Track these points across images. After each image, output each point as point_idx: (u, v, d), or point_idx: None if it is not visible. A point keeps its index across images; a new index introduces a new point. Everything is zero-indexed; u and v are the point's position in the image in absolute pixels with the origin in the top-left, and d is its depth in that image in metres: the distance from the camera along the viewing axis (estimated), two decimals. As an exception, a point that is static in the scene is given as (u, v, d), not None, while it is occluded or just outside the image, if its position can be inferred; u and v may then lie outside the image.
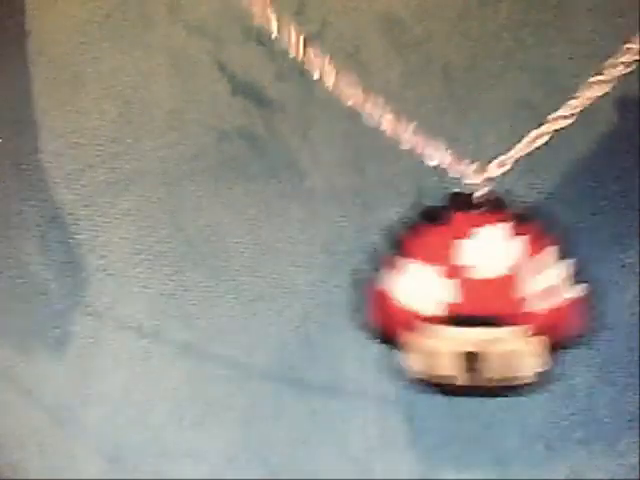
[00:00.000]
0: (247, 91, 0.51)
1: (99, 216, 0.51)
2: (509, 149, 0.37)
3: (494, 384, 0.33)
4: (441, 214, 0.33)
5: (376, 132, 0.38)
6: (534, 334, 0.32)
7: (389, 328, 0.35)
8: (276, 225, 0.51)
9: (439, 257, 0.32)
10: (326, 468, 0.49)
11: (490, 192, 0.35)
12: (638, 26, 0.49)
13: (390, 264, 0.34)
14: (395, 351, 0.37)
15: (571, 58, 0.52)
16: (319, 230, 0.50)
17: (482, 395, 0.35)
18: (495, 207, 0.34)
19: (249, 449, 0.50)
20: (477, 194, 0.35)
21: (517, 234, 0.34)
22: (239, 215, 0.51)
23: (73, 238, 0.51)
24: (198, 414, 0.50)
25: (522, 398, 0.50)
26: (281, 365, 0.50)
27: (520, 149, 0.36)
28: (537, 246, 0.34)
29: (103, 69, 0.52)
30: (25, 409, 0.50)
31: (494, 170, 0.35)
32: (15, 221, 0.51)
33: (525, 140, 0.36)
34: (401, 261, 0.33)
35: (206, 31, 0.53)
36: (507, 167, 0.35)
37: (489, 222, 0.33)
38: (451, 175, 0.36)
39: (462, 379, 0.33)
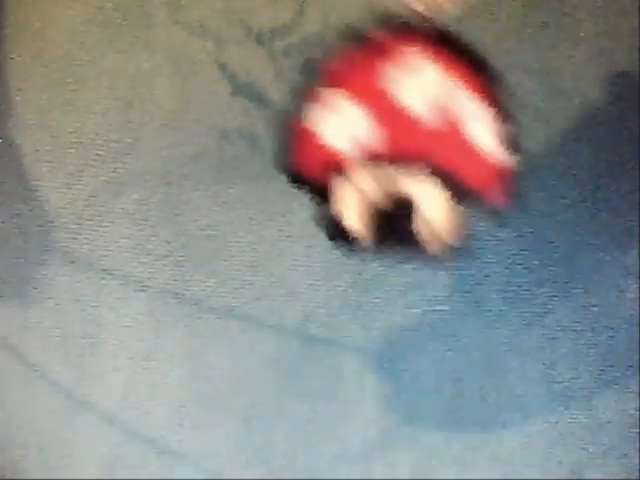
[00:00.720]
0: (247, 91, 0.51)
1: (99, 216, 0.51)
2: None
3: (400, 242, 0.29)
4: (370, 38, 0.29)
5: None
6: (452, 195, 0.29)
7: (313, 171, 0.31)
8: (276, 225, 0.51)
9: (361, 86, 0.29)
10: (326, 468, 0.49)
11: (431, 22, 0.30)
12: (638, 26, 0.49)
13: (313, 97, 0.30)
14: (322, 204, 0.32)
15: (571, 58, 0.52)
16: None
17: (389, 255, 0.30)
18: (436, 41, 0.30)
19: (249, 449, 0.50)
20: (416, 21, 0.31)
21: (455, 76, 0.29)
22: (239, 215, 0.51)
23: (74, 238, 0.51)
24: (198, 414, 0.50)
25: (522, 398, 0.50)
26: (281, 365, 0.50)
27: None
28: (469, 92, 0.30)
29: (103, 69, 0.52)
30: (25, 409, 0.50)
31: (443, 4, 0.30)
32: (15, 221, 0.51)
33: None
34: (324, 92, 0.30)
35: (206, 31, 0.53)
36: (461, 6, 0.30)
37: (424, 55, 0.29)
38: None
39: (373, 234, 0.30)
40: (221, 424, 0.50)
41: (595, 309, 0.51)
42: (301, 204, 0.50)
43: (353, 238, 0.29)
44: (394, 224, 0.29)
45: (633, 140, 0.51)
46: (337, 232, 0.28)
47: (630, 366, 0.50)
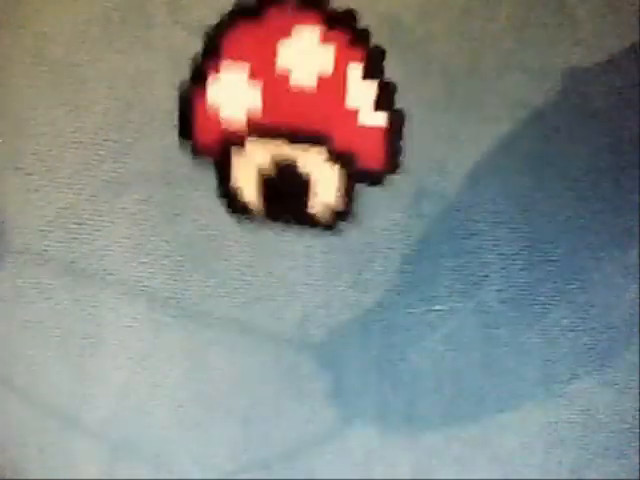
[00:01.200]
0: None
1: (99, 216, 0.51)
2: None
3: (290, 212, 0.31)
4: (257, 9, 0.31)
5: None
6: (333, 159, 0.30)
7: (212, 145, 0.32)
8: (276, 225, 0.51)
9: (251, 57, 0.30)
10: (326, 468, 0.49)
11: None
12: (638, 26, 0.49)
13: (209, 70, 0.32)
14: (222, 177, 0.33)
15: (571, 58, 0.52)
16: (319, 230, 0.50)
17: (280, 223, 0.32)
18: (311, 6, 0.31)
19: (249, 449, 0.50)
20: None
21: (328, 41, 0.31)
22: (239, 215, 0.51)
23: (74, 238, 0.51)
24: (198, 414, 0.50)
25: (522, 398, 0.50)
26: (281, 365, 0.50)
27: None
28: (346, 58, 0.31)
29: (103, 69, 0.52)
30: (25, 409, 0.50)
31: None
32: (16, 221, 0.51)
33: None
34: (218, 65, 0.31)
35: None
36: None
37: (303, 23, 0.31)
38: None
39: (261, 206, 0.31)
40: (221, 424, 0.50)
41: (595, 309, 0.51)
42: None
43: (249, 210, 0.30)
44: (287, 195, 0.31)
45: (633, 140, 0.51)
46: (235, 205, 0.30)
47: (630, 366, 0.50)
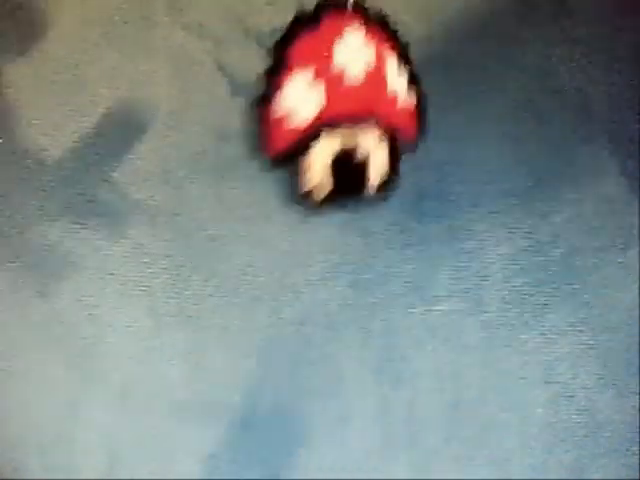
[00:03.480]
0: (247, 91, 0.51)
1: (99, 216, 0.51)
2: None
3: (353, 188, 0.37)
4: (313, 19, 0.36)
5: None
6: (382, 136, 0.35)
7: (281, 148, 0.37)
8: (276, 225, 0.51)
9: (314, 60, 0.35)
10: (326, 468, 0.49)
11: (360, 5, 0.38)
12: (638, 26, 0.49)
13: (276, 81, 0.37)
14: (293, 176, 0.38)
15: (571, 58, 0.52)
16: (319, 230, 0.50)
17: (344, 199, 0.38)
18: (358, 13, 0.37)
19: (249, 449, 0.50)
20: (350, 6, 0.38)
21: (370, 40, 0.36)
22: (239, 215, 0.51)
23: (74, 238, 0.51)
24: (198, 414, 0.50)
25: (522, 398, 0.50)
26: (281, 365, 0.50)
27: None
28: (384, 53, 0.37)
29: (103, 69, 0.52)
30: (25, 409, 0.50)
31: None
32: (16, 221, 0.51)
33: None
34: (286, 76, 0.36)
35: (206, 32, 0.53)
36: None
37: (351, 25, 0.36)
38: None
39: (329, 184, 0.36)
40: (221, 424, 0.50)
41: (595, 309, 0.51)
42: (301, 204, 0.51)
43: (319, 194, 0.35)
44: (350, 174, 0.36)
45: (633, 140, 0.51)
46: (305, 197, 0.36)
47: (630, 366, 0.50)
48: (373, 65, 0.35)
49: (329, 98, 0.34)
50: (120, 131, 0.52)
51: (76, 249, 0.51)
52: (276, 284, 0.51)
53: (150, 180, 0.51)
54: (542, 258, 0.51)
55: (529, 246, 0.51)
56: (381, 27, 0.36)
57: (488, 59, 0.51)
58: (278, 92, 0.35)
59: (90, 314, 0.50)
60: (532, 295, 0.50)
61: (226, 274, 0.51)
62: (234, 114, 0.51)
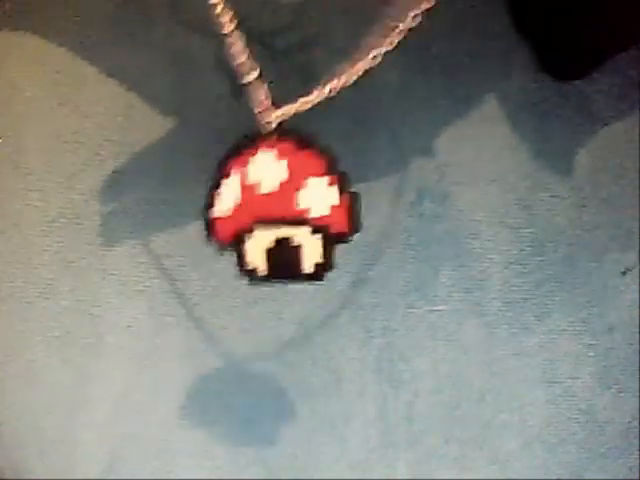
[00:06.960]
0: (247, 92, 0.51)
1: (99, 216, 0.51)
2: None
3: (287, 273, 0.41)
4: (243, 144, 0.43)
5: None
6: (314, 231, 0.40)
7: (222, 239, 0.43)
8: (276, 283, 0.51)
9: (242, 174, 0.41)
10: (326, 468, 0.49)
11: (277, 129, 0.42)
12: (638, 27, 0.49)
13: (217, 189, 0.43)
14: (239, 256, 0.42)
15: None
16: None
17: (280, 281, 0.43)
18: (280, 138, 0.42)
19: (249, 449, 0.50)
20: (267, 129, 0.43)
21: (285, 156, 0.41)
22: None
23: (73, 238, 0.51)
24: (198, 414, 0.50)
25: (522, 398, 0.50)
26: (281, 365, 0.50)
27: (305, 102, 0.42)
28: (307, 165, 0.41)
29: (103, 69, 0.52)
30: (25, 409, 0.50)
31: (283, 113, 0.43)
32: (16, 221, 0.51)
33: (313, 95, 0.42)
34: (222, 179, 0.42)
35: (207, 31, 0.53)
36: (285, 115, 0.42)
37: (267, 149, 0.41)
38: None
39: (264, 269, 0.41)
40: (221, 424, 0.50)
41: (595, 309, 0.51)
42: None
43: (258, 275, 0.41)
44: (286, 261, 0.41)
45: (633, 140, 0.51)
46: (248, 273, 0.41)
47: (630, 366, 0.50)
48: (285, 179, 0.40)
49: (245, 203, 0.40)
50: (120, 131, 0.52)
51: (76, 249, 0.51)
52: (276, 284, 0.51)
53: (150, 180, 0.51)
54: (542, 258, 0.51)
55: (529, 246, 0.51)
56: (302, 146, 0.41)
57: (488, 58, 0.51)
58: (217, 197, 0.42)
59: (90, 314, 0.50)
60: (532, 295, 0.50)
61: (226, 274, 0.51)
62: (234, 114, 0.51)
